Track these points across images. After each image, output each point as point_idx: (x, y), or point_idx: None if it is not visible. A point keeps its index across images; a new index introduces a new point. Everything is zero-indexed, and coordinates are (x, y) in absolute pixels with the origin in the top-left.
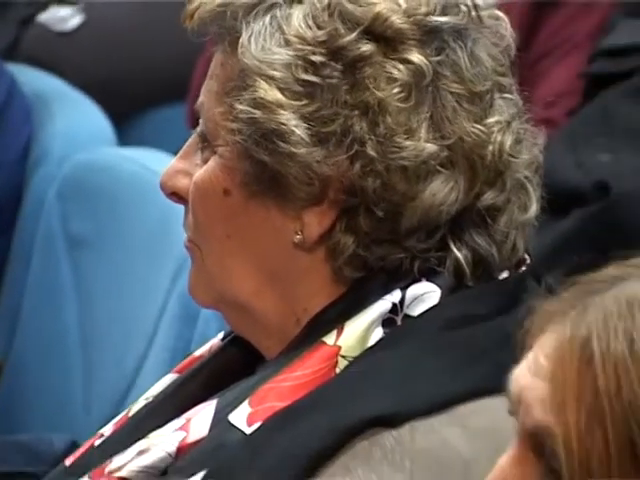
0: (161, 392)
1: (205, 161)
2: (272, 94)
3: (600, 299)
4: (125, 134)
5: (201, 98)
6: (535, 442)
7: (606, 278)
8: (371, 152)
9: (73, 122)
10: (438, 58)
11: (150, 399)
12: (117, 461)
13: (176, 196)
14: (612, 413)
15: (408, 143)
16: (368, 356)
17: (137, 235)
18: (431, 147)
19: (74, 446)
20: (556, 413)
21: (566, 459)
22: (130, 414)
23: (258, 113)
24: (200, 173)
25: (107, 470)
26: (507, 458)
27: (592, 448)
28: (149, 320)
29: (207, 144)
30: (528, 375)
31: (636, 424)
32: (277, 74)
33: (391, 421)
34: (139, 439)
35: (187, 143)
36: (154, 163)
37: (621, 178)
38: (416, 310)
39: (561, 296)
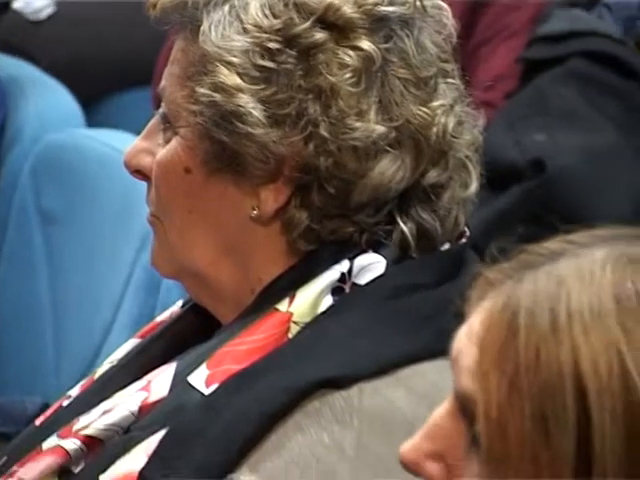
0: (124, 356)
1: (167, 141)
2: (231, 79)
3: (534, 274)
4: (93, 116)
5: (163, 82)
6: (462, 405)
7: (545, 252)
8: (324, 133)
9: (45, 105)
10: (386, 45)
11: (114, 362)
12: (83, 420)
13: (139, 173)
14: (529, 388)
15: (358, 125)
16: (318, 322)
17: (104, 210)
18: (380, 128)
19: (45, 407)
20: (480, 380)
21: (485, 426)
22: (96, 377)
23: (218, 96)
24: (162, 152)
25: (74, 429)
26: (442, 410)
27: (509, 418)
28: (116, 289)
29: (169, 125)
30: (464, 339)
31: (551, 400)
32: (236, 60)
33: (340, 383)
34: (104, 399)
35: (150, 124)
36: (119, 143)
37: (556, 156)
38: (363, 279)
39: (503, 265)
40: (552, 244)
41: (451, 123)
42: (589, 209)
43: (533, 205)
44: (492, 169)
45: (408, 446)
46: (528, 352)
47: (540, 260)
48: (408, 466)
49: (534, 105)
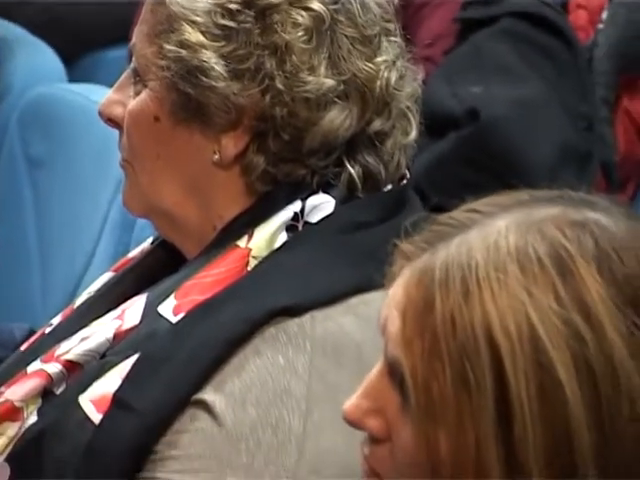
0: (101, 288)
1: (137, 93)
2: (195, 36)
3: (446, 245)
4: (75, 72)
5: (134, 40)
6: (392, 368)
7: (454, 223)
8: (279, 86)
9: (31, 62)
10: (335, 6)
11: (92, 293)
12: (64, 346)
13: (112, 122)
14: (448, 353)
15: (310, 78)
16: (275, 256)
17: (85, 156)
18: (329, 82)
19: (32, 333)
20: (404, 347)
21: (412, 389)
22: (75, 306)
23: (184, 52)
24: (133, 103)
25: (56, 354)
26: (377, 371)
27: (433, 382)
28: (95, 227)
29: (139, 79)
30: (389, 307)
31: (468, 364)
32: (199, 19)
33: (294, 311)
34: (83, 327)
35: (121, 78)
36: (98, 96)
37: (490, 106)
38: (314, 217)
39: (417, 238)
40: (460, 215)
41: (393, 77)
42: (519, 153)
43: (468, 150)
44: (432, 118)
45: (349, 404)
46: (444, 320)
47: (451, 231)
48: (351, 423)
49: (470, 60)
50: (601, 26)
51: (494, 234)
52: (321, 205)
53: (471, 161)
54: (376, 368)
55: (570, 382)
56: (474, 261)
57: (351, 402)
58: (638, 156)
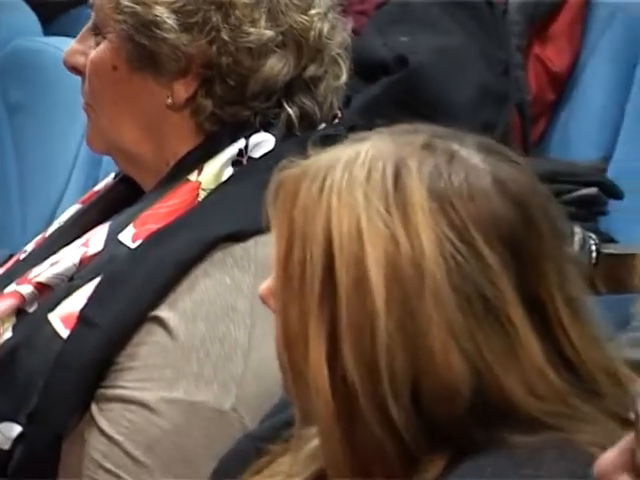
0: (69, 218)
1: (97, 44)
2: None
3: (325, 154)
4: (51, 30)
5: None
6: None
7: (346, 141)
8: (225, 37)
9: (11, 18)
10: None
11: (61, 223)
12: (36, 270)
13: (75, 70)
14: (299, 237)
15: (252, 30)
16: (222, 189)
17: (59, 101)
18: (269, 33)
19: (10, 258)
20: (275, 231)
21: (276, 267)
22: (47, 235)
23: (138, 8)
24: (94, 53)
25: (29, 277)
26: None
27: (289, 260)
28: (67, 163)
29: (99, 31)
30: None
31: (309, 247)
32: None
33: (240, 237)
34: (52, 254)
35: (83, 30)
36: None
37: (416, 54)
38: (257, 153)
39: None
40: (353, 136)
41: (325, 27)
42: (443, 95)
43: (397, 92)
44: (366, 65)
45: (263, 286)
46: (300, 209)
47: (334, 146)
48: (262, 300)
49: (399, 14)
50: None
51: (359, 149)
52: (263, 142)
53: (400, 102)
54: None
55: (376, 275)
56: (336, 166)
57: (264, 284)
58: (548, 97)
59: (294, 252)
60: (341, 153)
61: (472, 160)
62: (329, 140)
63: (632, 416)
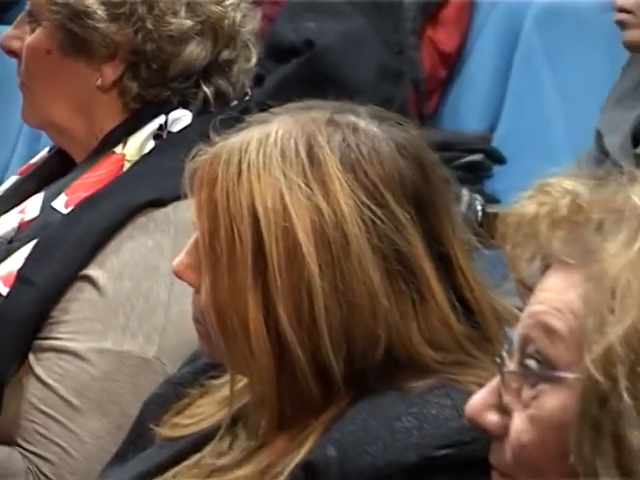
0: (8, 189)
1: (33, 30)
2: None
3: (236, 135)
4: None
5: None
6: None
7: (253, 121)
8: (149, 26)
9: None
10: None
11: (2, 193)
12: None
13: (12, 53)
14: (223, 217)
15: (174, 20)
16: (144, 159)
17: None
18: (189, 22)
19: None
20: (198, 213)
21: (202, 246)
22: None
23: None
24: (30, 38)
25: None
26: (194, 236)
27: (214, 238)
28: (12, 137)
29: (34, 19)
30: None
31: (236, 226)
32: None
33: (161, 203)
34: None
35: (19, 17)
36: None
37: (322, 38)
38: (176, 128)
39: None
40: (259, 115)
41: (238, 17)
42: (346, 73)
43: (306, 72)
44: (278, 48)
45: (176, 261)
46: (222, 192)
47: (246, 126)
48: (176, 275)
49: (308, 2)
50: None
51: (270, 128)
52: (181, 118)
53: (308, 81)
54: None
55: (307, 243)
56: (249, 148)
57: (176, 259)
58: (440, 74)
59: (220, 232)
60: (250, 136)
61: (372, 129)
62: (238, 120)
63: (497, 360)
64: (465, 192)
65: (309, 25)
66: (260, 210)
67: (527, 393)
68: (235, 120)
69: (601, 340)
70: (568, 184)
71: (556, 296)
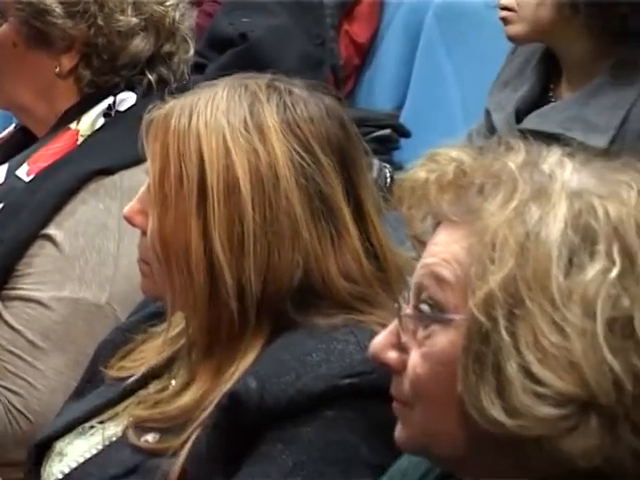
0: None
1: (0, 26)
2: None
3: (188, 95)
4: None
5: None
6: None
7: (202, 85)
8: (100, 22)
9: None
10: None
11: None
12: None
13: None
14: (173, 159)
15: (122, 18)
16: (95, 134)
17: None
18: (134, 20)
19: None
20: (151, 157)
21: (152, 183)
22: None
23: None
24: None
25: None
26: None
27: (164, 178)
28: None
29: (1, 15)
30: None
31: (184, 165)
32: None
33: (109, 171)
34: None
35: None
36: None
37: (254, 32)
38: (122, 107)
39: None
40: (206, 82)
41: (177, 15)
42: (274, 61)
43: (240, 60)
44: (217, 40)
45: (126, 207)
46: (174, 137)
47: (195, 91)
48: (127, 219)
49: (242, 2)
50: None
51: (217, 88)
52: (127, 99)
53: (242, 68)
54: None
55: (244, 179)
56: (199, 102)
57: (127, 206)
58: (354, 62)
59: (170, 170)
60: (200, 94)
61: (304, 93)
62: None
63: (396, 305)
64: (376, 161)
65: (243, 21)
66: (205, 150)
67: (421, 333)
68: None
69: (483, 286)
70: (454, 153)
71: (444, 249)
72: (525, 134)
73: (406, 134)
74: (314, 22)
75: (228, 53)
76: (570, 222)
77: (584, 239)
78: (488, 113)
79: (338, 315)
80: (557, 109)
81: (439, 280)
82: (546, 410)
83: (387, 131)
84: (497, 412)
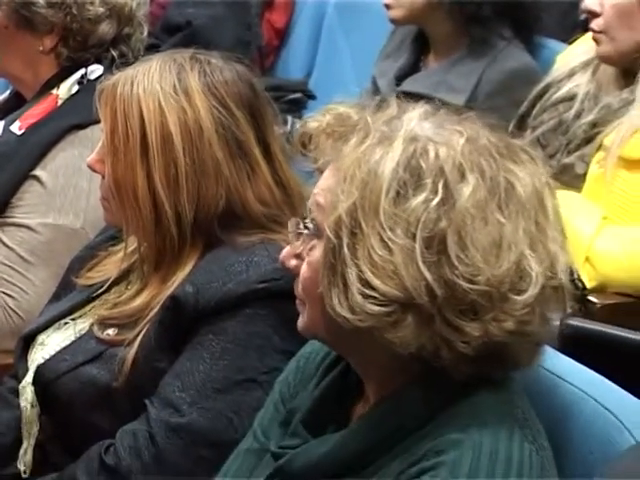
0: None
1: None
2: None
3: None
4: None
5: None
6: None
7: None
8: (74, 12)
9: None
10: None
11: None
12: None
13: None
14: (120, 117)
15: (91, 8)
16: (72, 98)
17: None
18: (101, 9)
19: None
20: (103, 118)
21: (104, 135)
22: None
23: None
24: None
25: None
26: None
27: (114, 132)
28: None
29: None
30: None
31: (128, 122)
32: None
33: (82, 126)
34: None
35: None
36: None
37: (197, 19)
38: (92, 76)
39: None
40: (145, 57)
41: (134, 4)
42: (213, 43)
43: (187, 42)
44: (169, 25)
45: (89, 158)
46: (120, 102)
47: (136, 64)
48: (89, 167)
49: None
50: None
51: (152, 61)
52: (96, 70)
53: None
54: None
55: (176, 132)
56: (138, 73)
57: (90, 157)
58: (274, 43)
59: (118, 128)
60: (139, 67)
61: (220, 62)
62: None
63: (296, 224)
64: (289, 118)
65: (189, 10)
66: (144, 111)
67: (308, 246)
68: None
69: (334, 212)
70: (340, 109)
71: (324, 182)
72: (401, 95)
73: (313, 97)
74: (243, 12)
75: (177, 36)
76: (402, 162)
77: (412, 175)
78: (374, 79)
79: (255, 234)
80: (426, 75)
81: (318, 205)
82: (375, 308)
83: (298, 95)
84: (342, 309)
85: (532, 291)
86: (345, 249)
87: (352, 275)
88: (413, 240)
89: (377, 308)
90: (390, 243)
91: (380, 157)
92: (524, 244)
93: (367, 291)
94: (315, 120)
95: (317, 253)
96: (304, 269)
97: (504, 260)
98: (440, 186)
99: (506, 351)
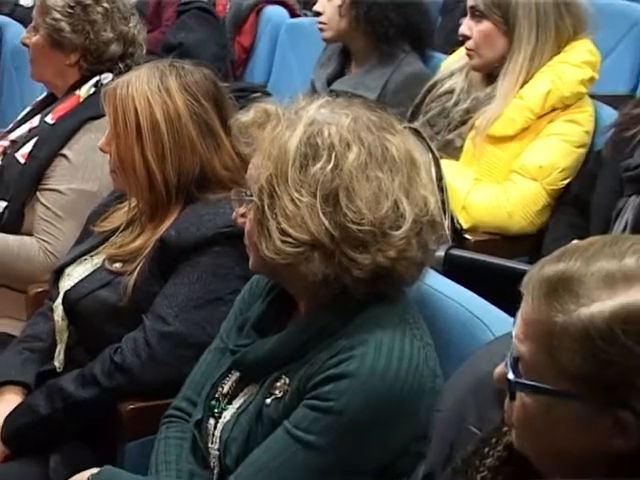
0: (26, 113)
1: (35, 34)
2: (57, 16)
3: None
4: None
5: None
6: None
7: (134, 68)
8: (92, 37)
9: None
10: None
11: (22, 115)
12: (12, 135)
13: (25, 45)
14: (119, 110)
15: (104, 33)
16: (89, 97)
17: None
18: (111, 34)
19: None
20: (109, 116)
21: (108, 122)
22: (17, 120)
23: (53, 22)
24: (34, 38)
25: (9, 138)
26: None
27: (117, 121)
28: (37, 87)
29: (37, 28)
30: None
31: (126, 116)
32: (59, 7)
33: (97, 117)
34: (18, 128)
35: (29, 26)
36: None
37: (187, 41)
38: (105, 82)
39: None
40: (136, 67)
41: (136, 31)
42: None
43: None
44: (167, 46)
45: (99, 142)
46: (119, 100)
47: (130, 72)
48: (101, 149)
49: (180, 23)
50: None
51: (142, 69)
52: (108, 77)
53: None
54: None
55: (161, 121)
56: (132, 78)
57: (100, 141)
58: (242, 57)
59: (119, 120)
60: (132, 74)
61: (191, 67)
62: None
63: (243, 190)
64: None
65: (181, 35)
66: (138, 106)
67: (248, 207)
68: None
69: (259, 181)
70: (264, 105)
71: (256, 159)
72: (332, 93)
73: (270, 95)
74: (220, 36)
75: (172, 53)
76: (303, 140)
77: (311, 149)
78: (312, 82)
79: (221, 193)
80: (349, 79)
81: (250, 176)
82: (291, 249)
83: (258, 94)
84: (269, 252)
85: (406, 226)
86: (267, 208)
87: (273, 227)
88: (314, 198)
89: (292, 249)
90: (298, 201)
91: (287, 138)
92: (399, 192)
93: (284, 238)
94: (244, 115)
95: (252, 214)
96: (247, 225)
97: (383, 206)
98: (332, 156)
99: (392, 273)
